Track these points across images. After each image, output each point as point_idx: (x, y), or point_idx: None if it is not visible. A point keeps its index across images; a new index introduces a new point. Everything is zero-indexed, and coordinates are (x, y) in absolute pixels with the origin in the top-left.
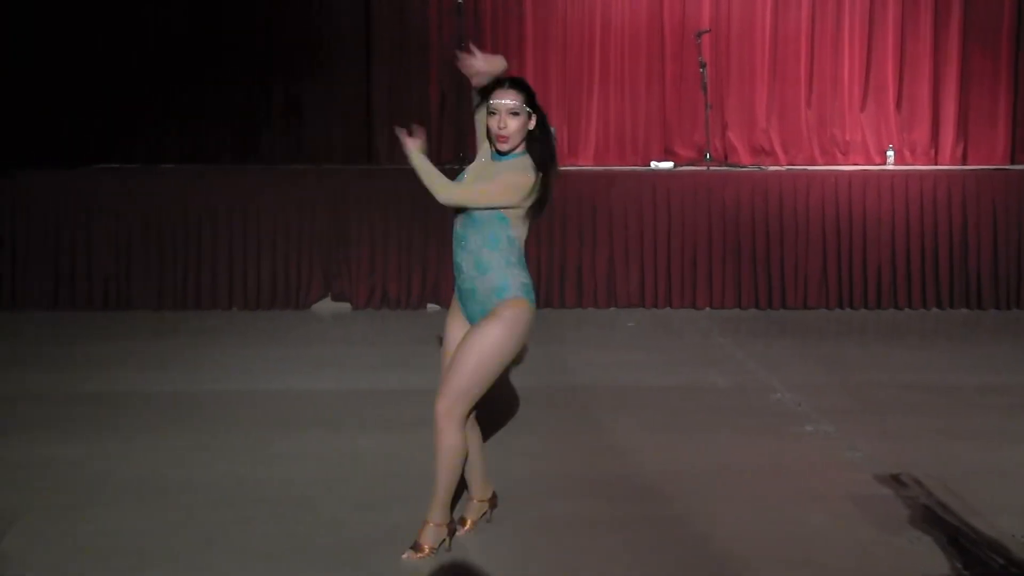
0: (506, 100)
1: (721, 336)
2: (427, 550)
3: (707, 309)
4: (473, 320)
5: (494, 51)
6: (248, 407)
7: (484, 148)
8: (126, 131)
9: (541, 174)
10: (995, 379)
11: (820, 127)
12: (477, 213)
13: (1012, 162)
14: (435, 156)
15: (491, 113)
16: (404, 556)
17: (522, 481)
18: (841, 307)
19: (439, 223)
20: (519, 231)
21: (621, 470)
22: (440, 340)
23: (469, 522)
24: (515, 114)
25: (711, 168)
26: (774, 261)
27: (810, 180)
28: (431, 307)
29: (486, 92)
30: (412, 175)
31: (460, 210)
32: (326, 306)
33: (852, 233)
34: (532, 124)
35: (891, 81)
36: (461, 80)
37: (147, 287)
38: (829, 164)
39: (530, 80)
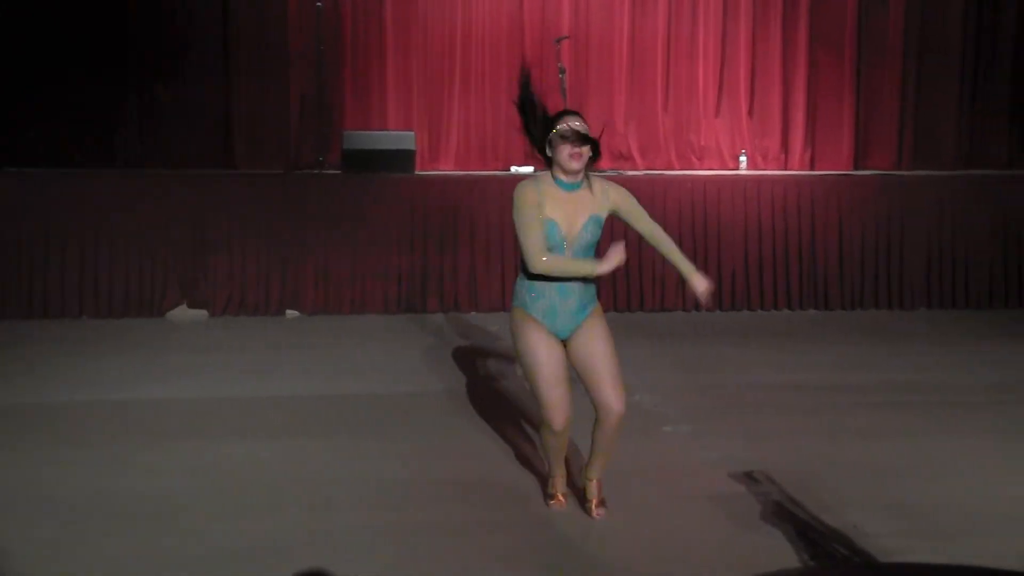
0: (580, 123)
1: None
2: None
3: None
4: (563, 334)
5: (353, 55)
6: (104, 418)
7: (534, 183)
8: None
9: None
10: (843, 378)
11: (676, 132)
12: (592, 239)
13: (856, 168)
14: (295, 160)
15: (563, 138)
16: (599, 515)
17: (389, 486)
18: (697, 309)
19: (298, 229)
20: None
21: (488, 474)
22: (533, 361)
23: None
24: (585, 141)
25: None
26: (631, 264)
27: (667, 184)
28: (290, 313)
29: (547, 124)
30: (272, 179)
31: (560, 246)
32: (182, 313)
33: (707, 236)
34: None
35: (743, 88)
36: (321, 83)
37: None
38: (685, 169)
39: (391, 86)
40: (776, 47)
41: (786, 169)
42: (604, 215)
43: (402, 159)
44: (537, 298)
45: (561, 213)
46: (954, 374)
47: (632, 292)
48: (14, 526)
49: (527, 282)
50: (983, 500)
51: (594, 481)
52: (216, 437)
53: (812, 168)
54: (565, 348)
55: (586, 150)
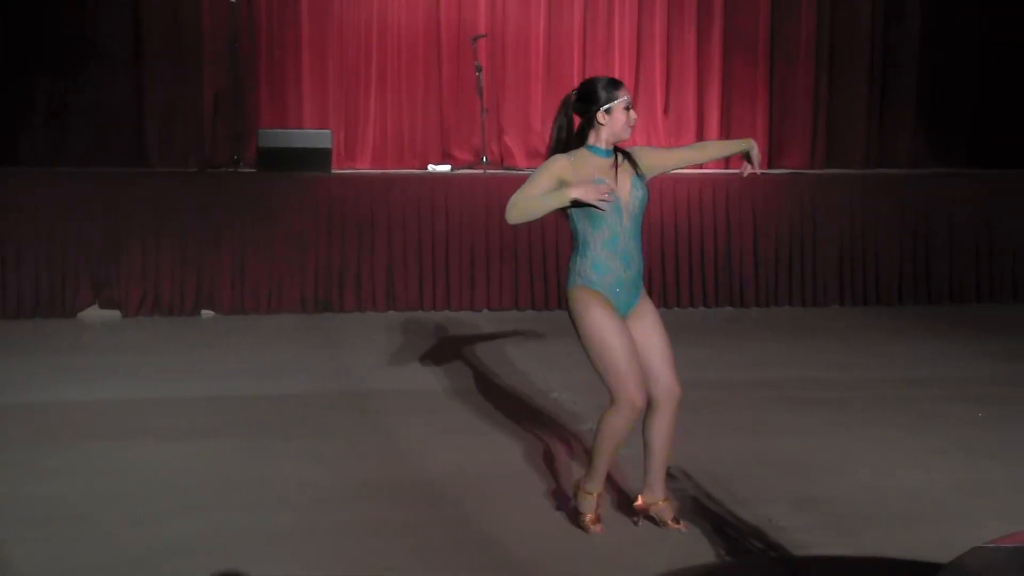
0: (630, 96)
1: (498, 337)
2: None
3: (485, 311)
4: (623, 311)
5: (268, 52)
6: (13, 421)
7: (569, 157)
8: None
9: None
10: (757, 375)
11: None
12: (642, 202)
13: (770, 167)
14: (209, 158)
15: (626, 109)
16: (682, 528)
17: (312, 486)
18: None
19: (214, 229)
20: None
21: (408, 474)
22: (613, 340)
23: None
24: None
25: (488, 171)
26: (549, 263)
27: None
28: (205, 313)
29: (593, 96)
30: (186, 177)
31: (618, 208)
32: (94, 314)
33: None
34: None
35: (659, 88)
36: (236, 80)
37: None
38: None
39: (306, 82)
40: (691, 47)
41: (701, 168)
42: (645, 175)
43: (318, 157)
44: (604, 272)
45: (607, 175)
46: (865, 369)
47: (550, 290)
48: None
49: (589, 257)
50: (893, 493)
51: (669, 500)
52: (129, 439)
53: (727, 167)
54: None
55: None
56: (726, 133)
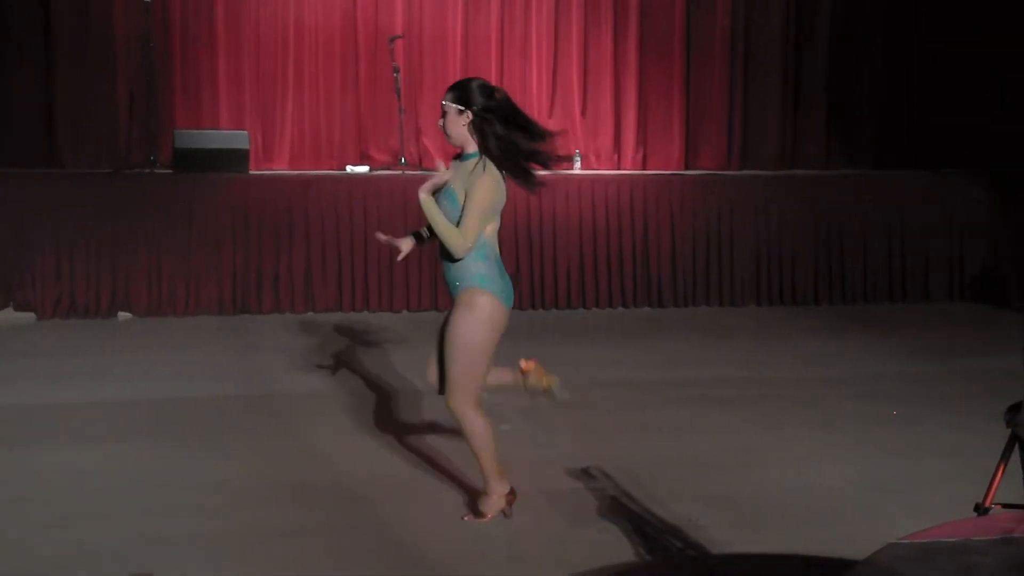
0: (443, 103)
1: (416, 339)
2: (489, 516)
3: (404, 312)
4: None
5: (183, 52)
6: None
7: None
8: None
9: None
10: (676, 373)
11: None
12: (446, 212)
13: (686, 167)
14: (124, 159)
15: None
16: (465, 518)
17: (223, 490)
18: (534, 308)
19: (129, 230)
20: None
21: (321, 476)
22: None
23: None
24: (444, 113)
25: (406, 172)
26: None
27: None
28: (122, 315)
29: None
30: (100, 178)
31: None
32: (7, 316)
33: (542, 235)
34: (467, 119)
35: (576, 89)
36: (151, 80)
37: None
38: None
39: (222, 83)
40: (607, 48)
41: (619, 169)
42: (459, 194)
43: (235, 158)
44: (504, 276)
45: (454, 179)
46: (778, 369)
47: None
48: None
49: (493, 260)
50: (805, 490)
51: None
52: (44, 445)
53: (644, 168)
54: None
55: (446, 124)
56: (643, 134)
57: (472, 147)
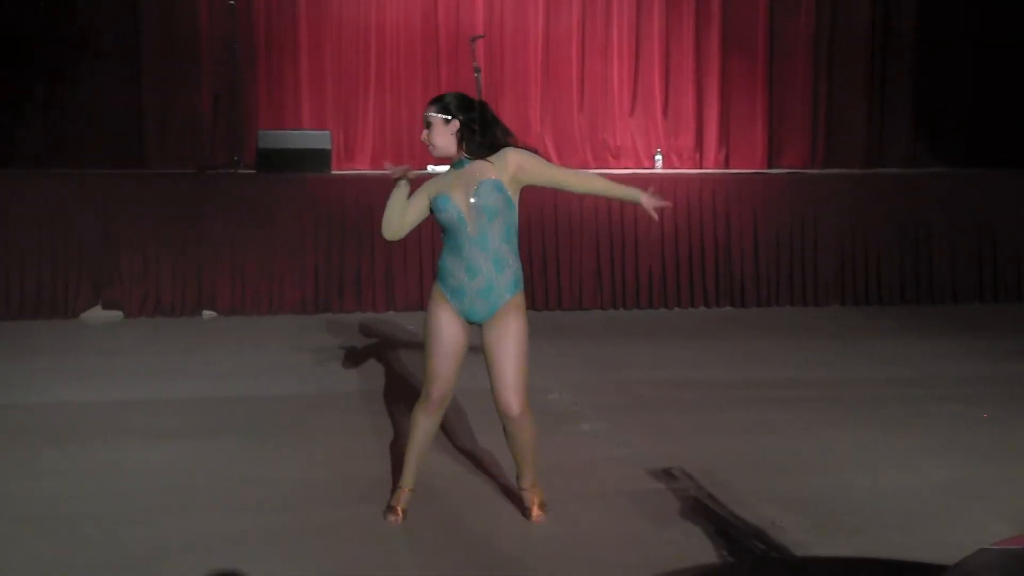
0: (426, 114)
1: None
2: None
3: None
4: (474, 318)
5: (267, 54)
6: (13, 421)
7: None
8: None
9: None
10: (757, 374)
11: (592, 131)
12: (491, 205)
13: (769, 166)
14: (208, 160)
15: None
16: (536, 518)
17: (305, 486)
18: (614, 307)
19: (214, 230)
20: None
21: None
22: (432, 338)
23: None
24: (428, 125)
25: None
26: (549, 263)
27: None
28: (207, 314)
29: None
30: (185, 179)
31: (460, 218)
32: (96, 314)
33: (624, 235)
34: (453, 128)
35: (658, 88)
36: (235, 82)
37: None
38: (601, 168)
39: (304, 84)
40: (689, 47)
41: (701, 168)
42: (504, 179)
43: (317, 158)
44: (447, 276)
45: (452, 186)
46: (862, 370)
47: (550, 291)
48: None
49: (441, 259)
50: (890, 494)
51: (527, 490)
52: (128, 440)
53: (726, 167)
54: (481, 333)
55: (431, 135)
56: (725, 133)
57: (461, 154)
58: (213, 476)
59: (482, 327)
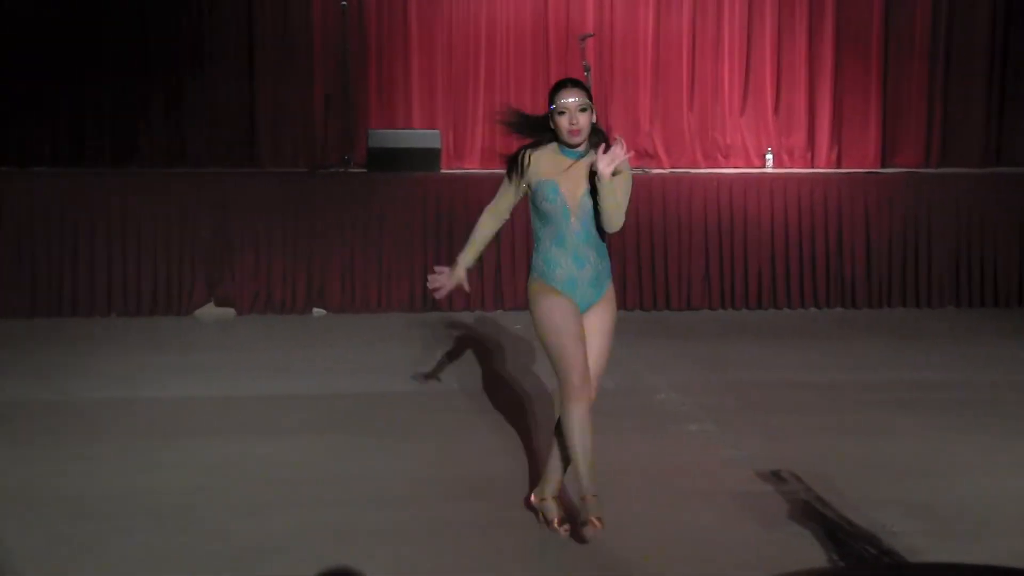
0: (574, 99)
1: None
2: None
3: None
4: (586, 304)
5: (378, 54)
6: (129, 415)
7: (540, 151)
8: None
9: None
10: (869, 376)
11: (702, 131)
12: (591, 209)
13: (883, 166)
14: (319, 159)
15: (560, 113)
16: (591, 534)
17: (414, 483)
18: (723, 308)
19: (324, 228)
20: None
21: (509, 472)
22: (562, 331)
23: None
24: (583, 110)
25: None
26: (658, 263)
27: (692, 183)
28: (317, 311)
29: (550, 97)
30: (297, 178)
31: (565, 212)
32: (209, 311)
33: (733, 235)
34: (595, 118)
35: (769, 86)
36: (346, 82)
37: (19, 294)
38: (711, 167)
39: (415, 83)
40: (802, 45)
41: (812, 167)
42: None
43: (427, 157)
44: (555, 267)
45: (562, 177)
46: (978, 373)
47: (658, 291)
48: (37, 522)
49: (544, 253)
50: (1007, 500)
51: (589, 496)
52: (240, 435)
53: (839, 166)
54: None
55: (584, 120)
56: (838, 131)
57: (586, 143)
58: (324, 472)
59: (584, 312)
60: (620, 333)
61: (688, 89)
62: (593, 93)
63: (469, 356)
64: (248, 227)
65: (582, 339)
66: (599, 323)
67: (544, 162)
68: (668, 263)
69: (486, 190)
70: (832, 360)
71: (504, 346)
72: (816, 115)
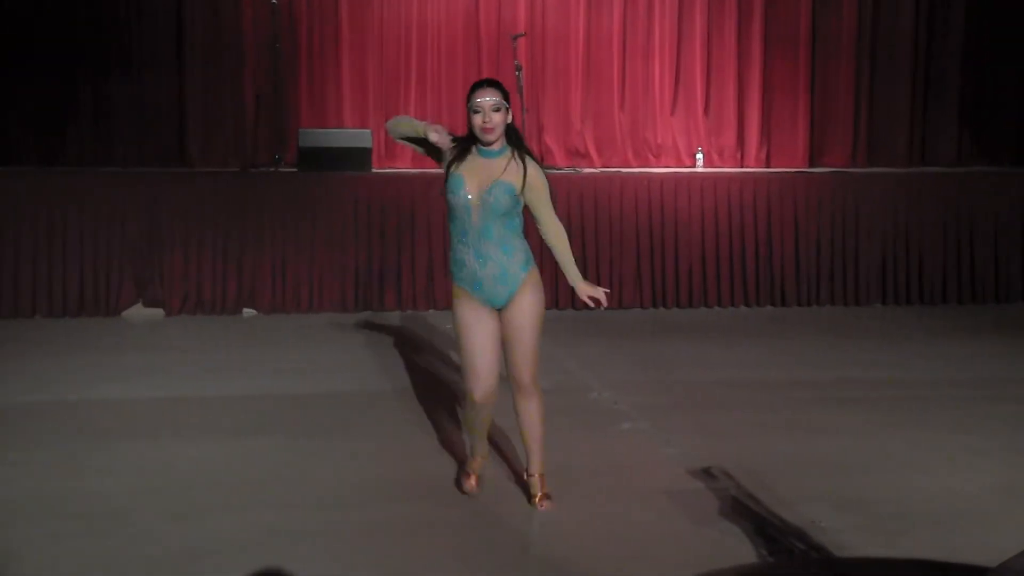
0: (488, 98)
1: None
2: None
3: None
4: (498, 302)
5: (309, 52)
6: (57, 418)
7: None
8: None
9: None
10: (800, 374)
11: (633, 130)
12: (501, 206)
13: (811, 165)
14: (250, 158)
15: (476, 112)
16: (542, 507)
17: (350, 485)
18: (655, 306)
19: (255, 228)
20: None
21: (447, 472)
22: (459, 332)
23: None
24: (497, 110)
25: None
26: (589, 262)
27: (624, 182)
28: (247, 312)
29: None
30: (227, 177)
31: (467, 207)
32: (138, 312)
33: (664, 234)
34: (509, 118)
35: (699, 86)
36: (277, 81)
37: None
38: (642, 166)
39: (346, 83)
40: (731, 45)
41: (742, 167)
42: (517, 187)
43: (358, 157)
44: (461, 267)
45: (471, 173)
46: (908, 370)
47: None
48: None
49: (453, 251)
50: (937, 495)
51: (536, 476)
52: (172, 437)
53: (768, 165)
54: (500, 314)
55: (498, 118)
56: (767, 131)
57: (501, 142)
58: (258, 474)
59: (502, 309)
60: (553, 332)
61: (619, 88)
62: (524, 92)
63: (403, 355)
64: (178, 227)
65: (489, 347)
66: (516, 319)
67: (460, 157)
68: (600, 262)
69: (417, 189)
70: (764, 358)
71: (436, 346)
72: (745, 115)
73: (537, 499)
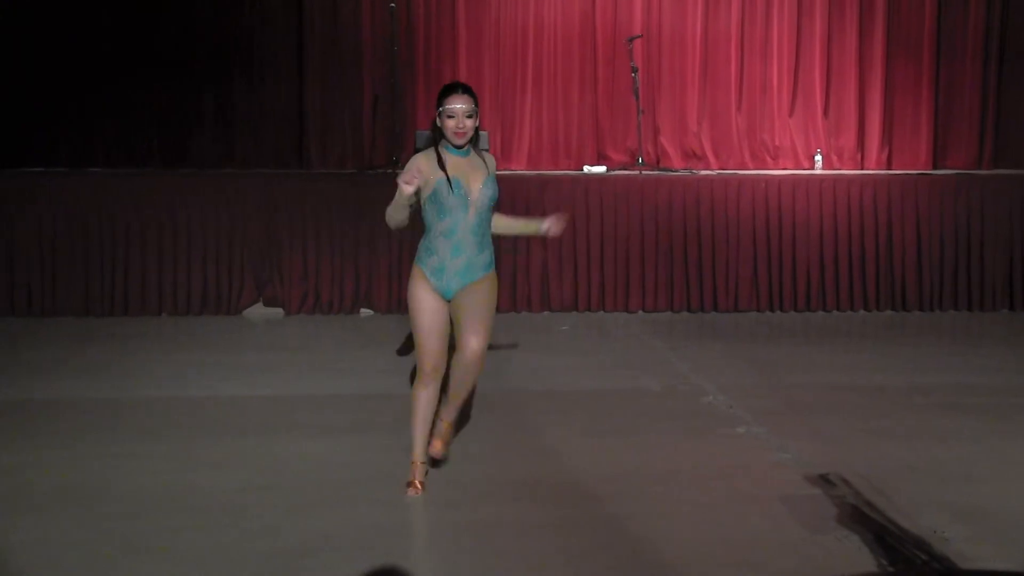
0: (462, 105)
1: (654, 339)
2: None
3: (640, 312)
4: (449, 294)
5: (426, 55)
6: (177, 414)
7: (424, 154)
8: (50, 133)
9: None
10: (920, 379)
11: (750, 132)
12: (490, 199)
13: (934, 167)
14: (368, 160)
15: (449, 116)
16: (435, 452)
17: (456, 484)
18: (771, 310)
19: (372, 229)
20: None
21: (555, 474)
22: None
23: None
24: (470, 116)
25: (643, 172)
26: (706, 264)
27: (740, 184)
28: (364, 312)
29: (438, 100)
30: (345, 179)
31: (465, 205)
32: (258, 311)
33: (782, 236)
34: (478, 123)
35: (818, 87)
36: (394, 84)
37: (72, 293)
38: (759, 168)
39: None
40: (852, 45)
41: (862, 169)
42: (493, 176)
43: None
44: (431, 254)
45: (460, 173)
46: None
47: (705, 292)
48: (88, 520)
49: (428, 241)
50: None
51: (444, 423)
52: (288, 434)
53: (889, 167)
54: (451, 303)
55: (470, 124)
56: (888, 133)
57: (468, 144)
58: (368, 471)
59: (453, 298)
60: (666, 335)
61: (736, 90)
62: (640, 94)
63: (518, 357)
64: (296, 228)
65: (439, 328)
66: (469, 295)
67: (441, 161)
68: (716, 264)
69: (532, 191)
70: (883, 363)
71: (551, 347)
72: (866, 116)
73: (439, 443)
